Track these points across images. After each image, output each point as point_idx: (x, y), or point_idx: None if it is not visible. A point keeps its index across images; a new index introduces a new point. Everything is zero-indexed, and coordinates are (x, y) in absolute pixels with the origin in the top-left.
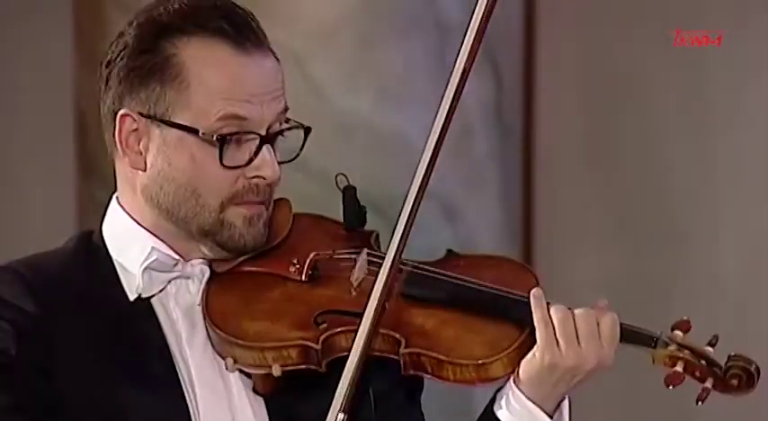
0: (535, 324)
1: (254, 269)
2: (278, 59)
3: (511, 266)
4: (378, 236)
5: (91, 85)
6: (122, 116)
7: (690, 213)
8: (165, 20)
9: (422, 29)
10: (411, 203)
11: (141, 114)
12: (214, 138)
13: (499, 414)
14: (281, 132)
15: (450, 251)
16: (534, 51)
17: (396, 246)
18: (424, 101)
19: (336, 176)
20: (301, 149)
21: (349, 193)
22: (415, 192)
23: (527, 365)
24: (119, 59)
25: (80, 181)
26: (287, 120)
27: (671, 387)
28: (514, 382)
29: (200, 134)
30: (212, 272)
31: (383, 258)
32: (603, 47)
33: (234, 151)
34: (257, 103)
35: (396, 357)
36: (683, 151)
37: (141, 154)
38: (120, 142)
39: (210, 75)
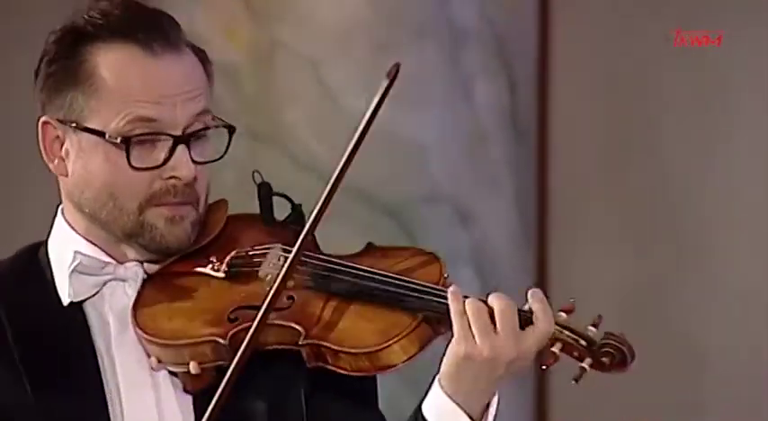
0: (451, 316)
1: (180, 269)
2: (203, 60)
3: (420, 257)
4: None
5: None
6: (44, 123)
7: (709, 214)
8: (79, 27)
9: (435, 33)
10: (322, 199)
11: (59, 121)
12: (119, 140)
13: (424, 410)
14: (197, 132)
15: (369, 244)
16: (548, 55)
17: (300, 240)
18: (438, 104)
19: (253, 173)
20: (226, 150)
21: (263, 190)
22: (328, 189)
23: (445, 359)
24: (40, 68)
25: None
26: (213, 119)
27: (543, 367)
28: (438, 378)
29: (106, 137)
30: (146, 273)
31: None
32: (618, 49)
33: (146, 153)
34: (168, 104)
35: (296, 348)
36: (685, 153)
37: (63, 160)
38: (45, 149)
39: (118, 78)
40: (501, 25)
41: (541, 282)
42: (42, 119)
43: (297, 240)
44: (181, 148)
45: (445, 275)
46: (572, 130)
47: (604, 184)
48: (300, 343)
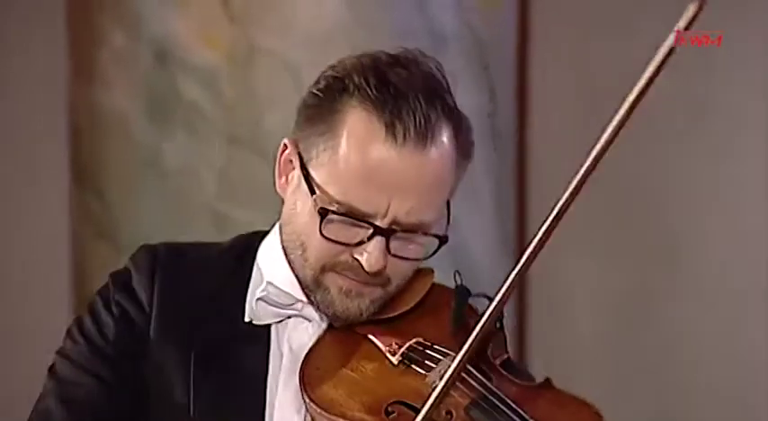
0: None
1: (364, 332)
2: (462, 148)
3: (582, 416)
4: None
5: (84, 94)
6: (285, 142)
7: (688, 224)
8: (353, 71)
9: (415, 39)
10: (484, 319)
11: (297, 149)
12: (317, 209)
13: None
14: (398, 231)
15: (547, 379)
16: (527, 62)
17: (457, 361)
18: None
19: (454, 274)
20: (432, 254)
21: (459, 293)
22: (493, 307)
23: None
24: (310, 90)
25: (73, 190)
26: (426, 234)
27: None
28: None
29: (312, 197)
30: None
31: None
32: (597, 57)
33: (343, 227)
34: (385, 196)
35: None
36: (682, 154)
37: (287, 184)
38: (278, 165)
39: (349, 149)
40: (481, 32)
41: (521, 292)
42: (286, 139)
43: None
44: (377, 240)
45: None
46: (552, 138)
47: (585, 191)
48: None
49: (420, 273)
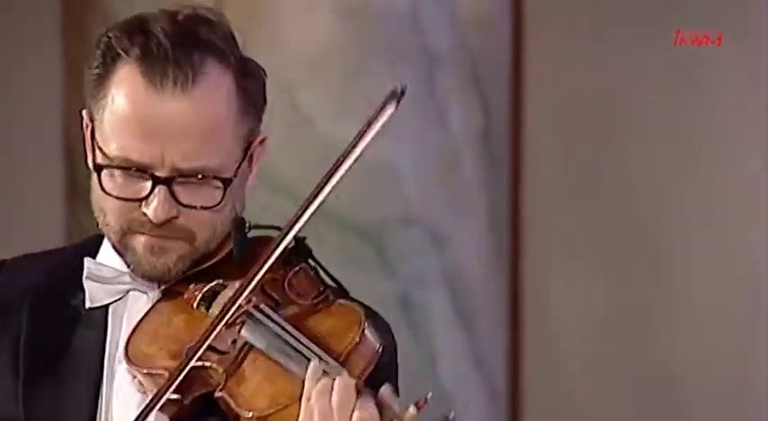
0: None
1: (181, 290)
2: (248, 101)
3: (347, 316)
4: None
5: (80, 109)
6: (83, 115)
7: (681, 238)
8: (121, 33)
9: (409, 57)
10: (275, 245)
11: (90, 117)
12: (93, 164)
13: None
14: (185, 177)
15: (326, 295)
16: (522, 79)
17: (234, 290)
18: (412, 128)
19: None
20: (220, 202)
21: (235, 224)
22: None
23: None
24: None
25: (68, 207)
26: (206, 176)
27: None
28: None
29: (91, 157)
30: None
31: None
32: (592, 73)
33: (128, 182)
34: (156, 143)
35: (215, 398)
36: (679, 155)
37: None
38: (85, 141)
39: (116, 103)
40: (475, 49)
41: (515, 306)
42: (84, 111)
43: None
44: (159, 189)
45: (357, 340)
46: (546, 155)
47: (579, 207)
48: (216, 395)
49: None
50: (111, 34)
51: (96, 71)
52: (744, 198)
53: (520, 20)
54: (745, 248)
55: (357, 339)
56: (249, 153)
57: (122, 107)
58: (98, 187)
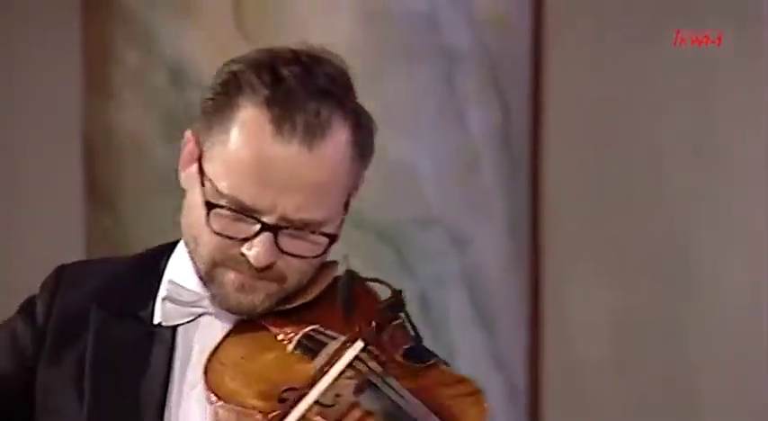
0: None
1: (267, 325)
2: (361, 153)
3: (468, 392)
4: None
5: (98, 112)
6: (188, 135)
7: (698, 241)
8: (249, 68)
9: (428, 57)
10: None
11: (197, 142)
12: (204, 201)
13: None
14: (285, 228)
15: (435, 362)
16: (542, 79)
17: (340, 343)
18: (431, 128)
19: (343, 258)
20: (321, 255)
21: (348, 277)
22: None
23: None
24: (211, 84)
25: (88, 209)
26: (317, 233)
27: None
28: None
29: (202, 190)
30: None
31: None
32: (613, 72)
33: (231, 222)
34: (272, 192)
35: None
36: (683, 167)
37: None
38: (181, 159)
39: (237, 143)
40: (494, 49)
41: (534, 308)
42: (188, 132)
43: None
44: (264, 236)
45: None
46: (566, 155)
47: (599, 209)
48: None
49: (324, 266)
50: (236, 67)
51: (214, 102)
52: (744, 198)
53: (539, 19)
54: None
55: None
56: (348, 204)
57: (244, 150)
58: (196, 214)
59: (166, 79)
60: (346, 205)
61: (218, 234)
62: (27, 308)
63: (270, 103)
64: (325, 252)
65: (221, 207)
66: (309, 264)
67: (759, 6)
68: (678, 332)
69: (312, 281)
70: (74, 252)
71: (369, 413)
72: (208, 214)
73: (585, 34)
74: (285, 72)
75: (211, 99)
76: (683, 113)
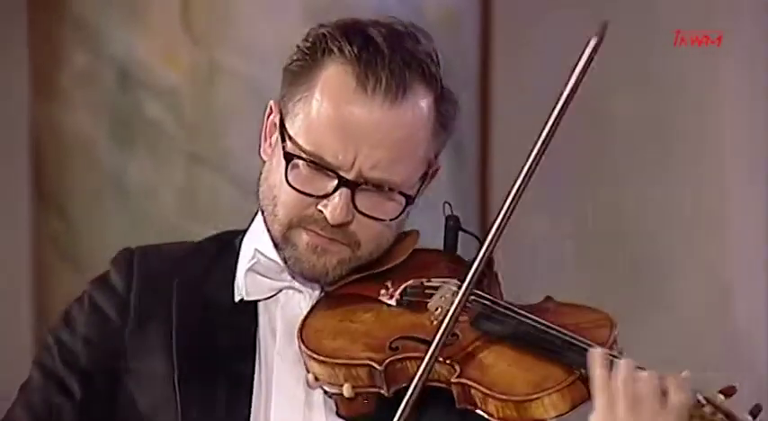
0: (595, 383)
1: (356, 291)
2: (442, 124)
3: (594, 317)
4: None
5: (46, 115)
6: (271, 105)
7: (669, 239)
8: (338, 31)
9: None
10: (489, 238)
11: (279, 108)
12: (284, 154)
13: None
14: (370, 185)
15: (547, 297)
16: (490, 73)
17: (468, 279)
18: None
19: (444, 204)
20: (397, 217)
21: (450, 223)
22: (495, 229)
23: None
24: (298, 47)
25: (35, 211)
26: (395, 191)
27: None
28: None
29: (282, 145)
30: (323, 289)
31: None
32: (561, 65)
33: (313, 177)
34: (352, 148)
35: (447, 386)
36: (646, 174)
37: (271, 146)
38: (264, 130)
39: (321, 101)
40: (441, 42)
41: None
42: (271, 102)
43: (469, 276)
44: (342, 191)
45: (612, 340)
46: (514, 149)
47: (549, 207)
48: (453, 381)
49: (405, 236)
50: (325, 30)
51: (300, 63)
52: (744, 198)
53: (488, 12)
54: (741, 249)
55: (617, 332)
56: (427, 177)
57: (327, 105)
58: (277, 176)
59: (114, 81)
60: (424, 176)
61: (297, 190)
62: (102, 282)
63: (356, 60)
64: (400, 215)
65: (301, 158)
66: (384, 233)
67: (759, 6)
68: (636, 335)
69: (388, 253)
70: (21, 253)
71: (493, 340)
72: (287, 166)
73: (535, 26)
74: (374, 33)
75: (297, 60)
76: (625, 103)
